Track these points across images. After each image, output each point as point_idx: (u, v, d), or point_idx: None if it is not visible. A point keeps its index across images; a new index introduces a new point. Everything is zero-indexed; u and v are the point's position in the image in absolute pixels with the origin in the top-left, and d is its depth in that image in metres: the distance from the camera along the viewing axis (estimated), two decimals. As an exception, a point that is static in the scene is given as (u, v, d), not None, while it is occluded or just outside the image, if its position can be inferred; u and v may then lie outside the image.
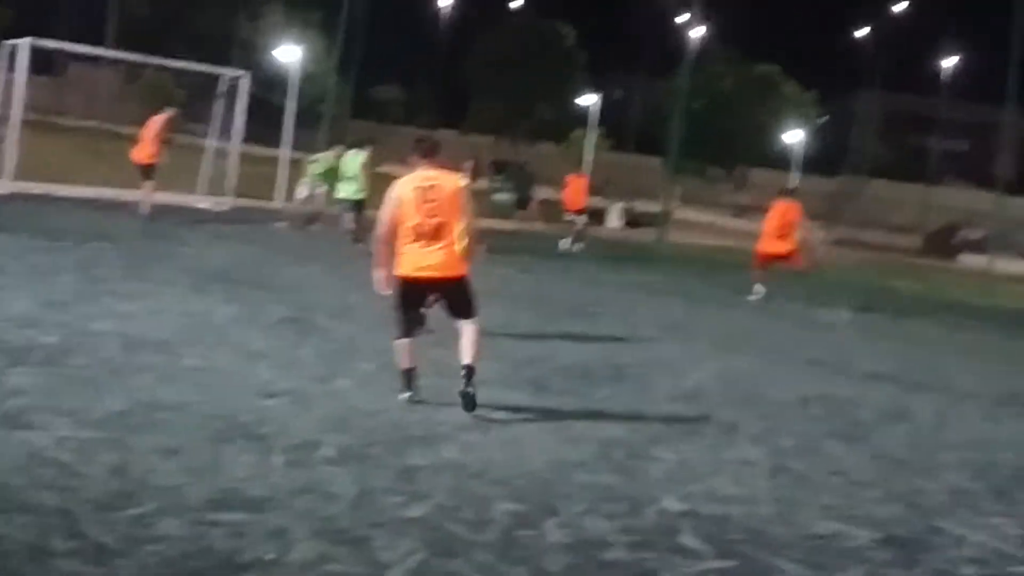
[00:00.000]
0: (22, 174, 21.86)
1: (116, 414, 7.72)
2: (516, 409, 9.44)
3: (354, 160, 21.41)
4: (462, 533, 6.32)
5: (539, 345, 12.70)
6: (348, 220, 21.06)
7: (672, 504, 7.32)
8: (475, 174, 12.85)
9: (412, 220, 9.12)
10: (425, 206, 9.14)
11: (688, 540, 6.68)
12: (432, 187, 9.21)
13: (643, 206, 41.58)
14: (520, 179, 38.63)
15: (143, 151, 21.43)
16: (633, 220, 38.99)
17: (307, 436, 7.80)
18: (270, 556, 5.62)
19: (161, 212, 21.94)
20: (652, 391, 11.05)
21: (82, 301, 11.60)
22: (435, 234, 9.15)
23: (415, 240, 9.14)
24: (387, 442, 7.93)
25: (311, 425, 8.12)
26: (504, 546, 6.21)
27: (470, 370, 9.04)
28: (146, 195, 21.13)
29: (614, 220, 38.83)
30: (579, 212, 28.36)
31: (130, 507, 6.02)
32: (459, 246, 9.20)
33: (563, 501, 7.10)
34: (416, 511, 6.58)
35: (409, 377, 9.27)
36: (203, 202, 24.87)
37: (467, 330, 9.29)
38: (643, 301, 18.45)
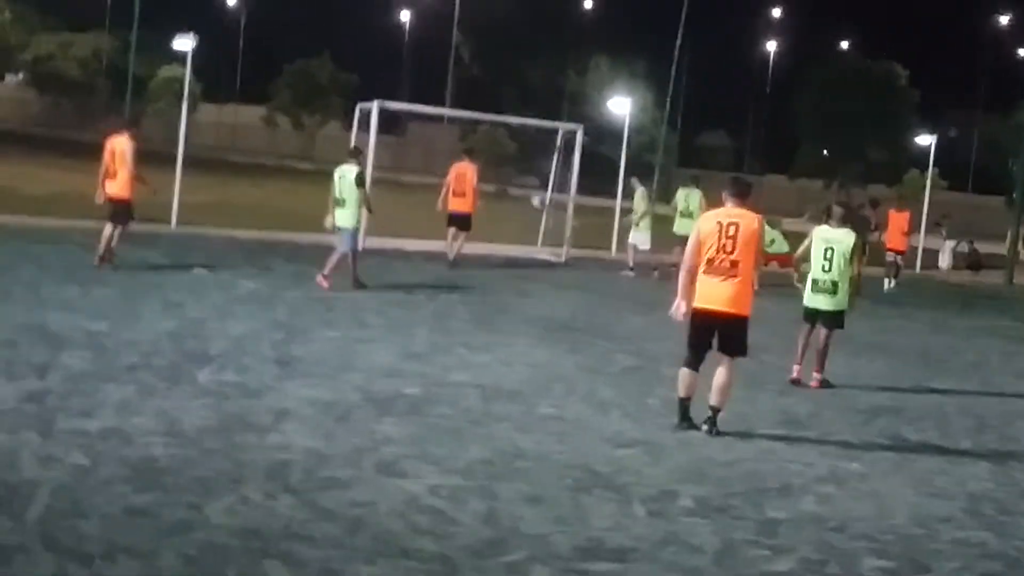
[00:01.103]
0: (373, 230, 22.98)
1: (480, 462, 7.99)
2: (872, 460, 9.19)
3: (693, 196, 22.78)
4: (831, 589, 6.20)
5: (890, 394, 12.33)
6: (677, 253, 21.70)
7: (1053, 564, 6.95)
8: (864, 224, 12.65)
9: (709, 253, 9.49)
10: (724, 241, 9.48)
11: (1075, 604, 6.32)
12: (733, 224, 9.54)
13: (985, 248, 39.72)
14: (859, 224, 37.64)
15: (468, 202, 21.83)
16: (975, 262, 37.25)
17: (664, 486, 7.84)
18: (642, 607, 5.67)
19: (504, 264, 22.63)
20: (1017, 443, 10.52)
21: (438, 352, 12.09)
22: (728, 270, 9.46)
23: (708, 273, 9.51)
24: (744, 493, 7.88)
25: (667, 475, 8.16)
26: (877, 604, 6.05)
27: (715, 412, 9.57)
28: (459, 244, 21.63)
29: (945, 259, 37.02)
30: (898, 252, 26.68)
31: (503, 554, 6.21)
32: (748, 284, 9.56)
33: (934, 558, 6.87)
34: (782, 565, 6.51)
35: (684, 407, 9.62)
36: (543, 253, 25.47)
37: (723, 370, 9.61)
38: (996, 348, 17.62)
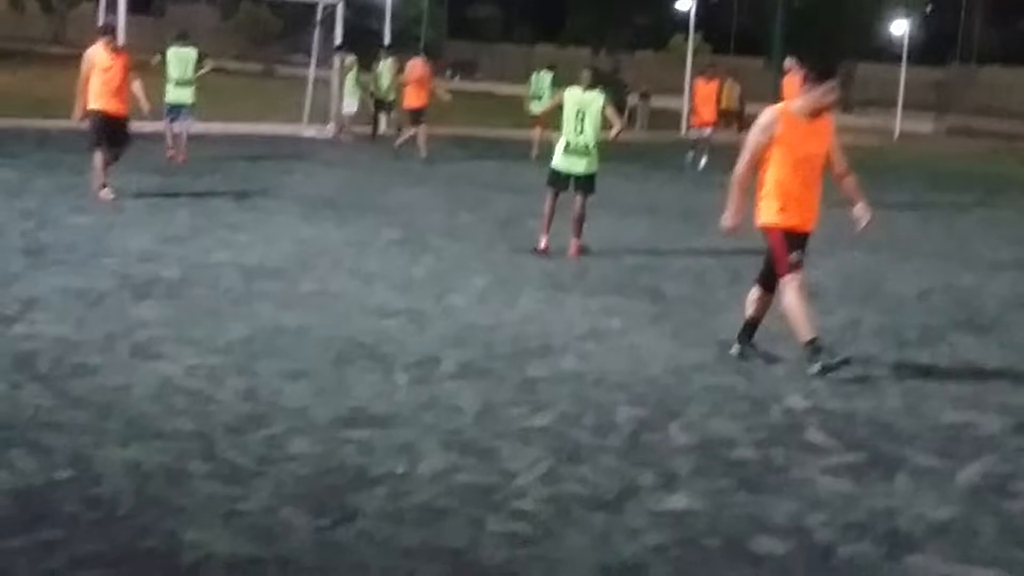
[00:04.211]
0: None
1: (240, 341, 7.86)
2: (632, 316, 9.42)
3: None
4: (587, 440, 6.35)
5: (652, 252, 12.64)
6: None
7: (797, 402, 7.28)
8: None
9: (793, 157, 7.90)
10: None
11: (815, 436, 6.64)
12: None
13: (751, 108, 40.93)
14: (615, 89, 38.26)
15: (416, 97, 21.95)
16: (743, 123, 38.36)
17: (427, 353, 7.87)
18: (400, 469, 5.71)
19: (269, 142, 22.20)
20: (769, 291, 10.91)
21: (199, 234, 11.80)
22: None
23: (800, 183, 7.95)
24: (506, 355, 7.97)
25: (430, 343, 8.19)
26: (629, 450, 6.23)
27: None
28: (423, 136, 21.58)
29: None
30: (708, 124, 23.95)
31: (262, 429, 6.15)
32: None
33: (685, 404, 7.10)
34: (539, 421, 6.62)
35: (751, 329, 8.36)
36: (308, 131, 25.05)
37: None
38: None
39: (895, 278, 11.95)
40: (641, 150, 26.73)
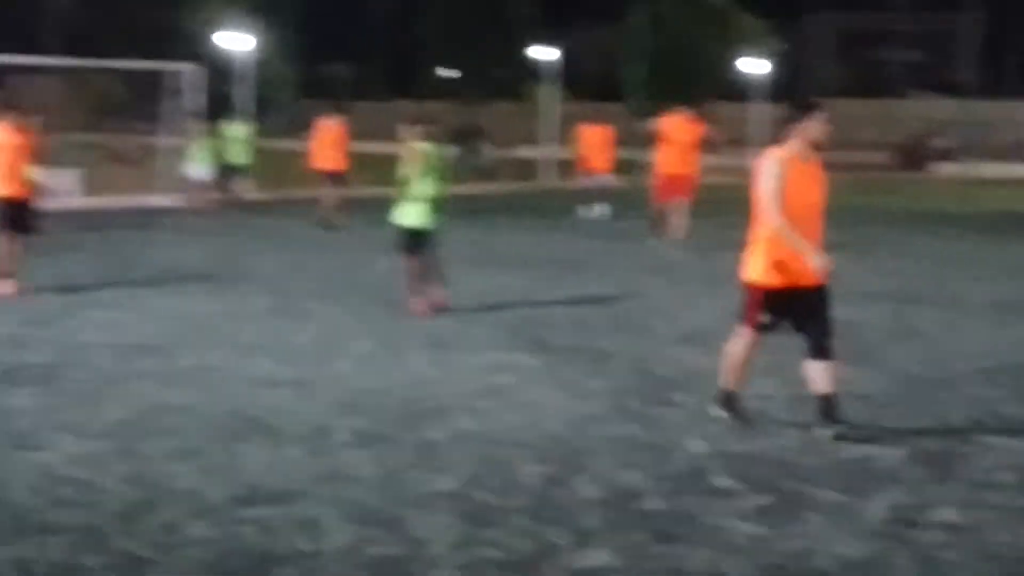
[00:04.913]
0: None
1: (121, 423, 7.55)
2: (523, 371, 9.31)
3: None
4: (494, 501, 6.21)
5: (534, 304, 12.55)
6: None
7: (698, 446, 7.23)
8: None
9: (794, 205, 7.44)
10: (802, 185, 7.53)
11: (720, 480, 6.60)
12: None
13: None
14: (472, 141, 38.58)
15: (331, 159, 21.12)
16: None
17: (318, 423, 7.65)
18: (307, 547, 5.49)
19: (123, 215, 21.68)
20: (654, 337, 10.94)
21: (66, 315, 11.36)
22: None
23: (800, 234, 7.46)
24: (400, 419, 7.79)
25: (320, 411, 7.97)
26: (539, 508, 6.10)
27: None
28: (339, 200, 20.97)
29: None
30: (602, 171, 23.74)
31: (155, 514, 5.88)
32: None
33: (588, 457, 7.00)
34: (443, 485, 6.46)
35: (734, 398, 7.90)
36: (165, 200, 24.54)
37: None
38: (628, 249, 18.32)
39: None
40: (507, 201, 26.78)
